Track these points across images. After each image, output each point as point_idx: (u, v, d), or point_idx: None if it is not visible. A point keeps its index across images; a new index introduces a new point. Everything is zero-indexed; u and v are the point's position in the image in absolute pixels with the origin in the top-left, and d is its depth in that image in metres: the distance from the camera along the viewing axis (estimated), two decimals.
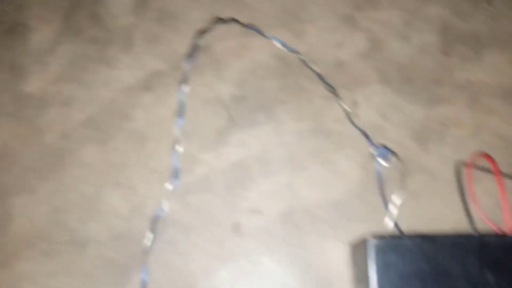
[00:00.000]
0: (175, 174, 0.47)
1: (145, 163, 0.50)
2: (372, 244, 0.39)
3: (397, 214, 0.46)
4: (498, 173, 0.44)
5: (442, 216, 0.48)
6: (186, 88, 0.51)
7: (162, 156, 0.50)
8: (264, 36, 0.54)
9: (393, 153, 0.47)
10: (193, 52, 0.52)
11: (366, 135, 0.48)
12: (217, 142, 0.51)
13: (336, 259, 0.47)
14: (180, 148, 0.49)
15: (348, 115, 0.51)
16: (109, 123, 0.52)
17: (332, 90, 0.52)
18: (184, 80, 0.51)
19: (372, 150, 0.48)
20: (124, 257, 0.47)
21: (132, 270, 0.46)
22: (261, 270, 0.47)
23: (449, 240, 0.40)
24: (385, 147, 0.47)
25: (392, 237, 0.40)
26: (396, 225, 0.44)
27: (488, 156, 0.45)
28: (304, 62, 0.53)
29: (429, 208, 0.49)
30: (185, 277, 0.46)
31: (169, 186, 0.47)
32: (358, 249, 0.42)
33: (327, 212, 0.49)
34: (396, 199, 0.45)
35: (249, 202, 0.49)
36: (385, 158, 0.46)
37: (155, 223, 0.47)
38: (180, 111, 0.49)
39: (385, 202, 0.46)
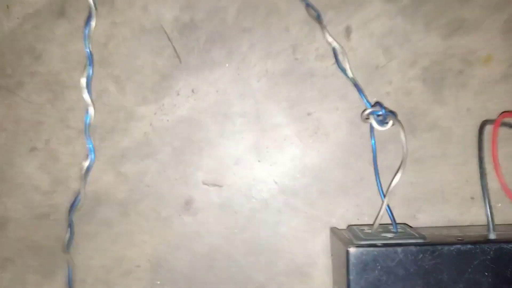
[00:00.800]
0: (89, 150, 0.35)
1: (65, 120, 0.38)
2: (353, 254, 0.29)
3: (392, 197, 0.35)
4: None
5: (451, 188, 0.37)
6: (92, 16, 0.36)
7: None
8: None
9: (392, 114, 0.34)
10: None
11: (358, 87, 0.35)
12: (159, 90, 0.38)
13: (312, 245, 0.38)
14: (91, 110, 0.36)
15: (336, 52, 0.36)
16: (14, 65, 0.39)
17: (316, 13, 0.37)
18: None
19: (365, 111, 0.35)
20: (51, 240, 0.38)
21: (61, 256, 0.38)
22: (219, 258, 0.38)
23: (453, 250, 0.29)
24: (382, 106, 0.34)
25: (379, 245, 0.30)
26: (389, 211, 0.33)
27: None
28: None
29: (435, 177, 0.38)
30: (125, 265, 0.38)
31: (84, 163, 0.36)
32: (338, 245, 0.33)
33: (303, 183, 0.38)
34: (394, 181, 0.33)
35: (203, 172, 0.38)
36: (381, 121, 0.34)
37: (79, 200, 0.37)
38: (88, 57, 0.35)
39: (377, 175, 0.35)
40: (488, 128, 0.37)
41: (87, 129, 0.35)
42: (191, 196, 0.38)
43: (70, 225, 0.35)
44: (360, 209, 0.38)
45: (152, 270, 0.38)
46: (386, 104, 0.37)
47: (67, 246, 0.36)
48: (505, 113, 0.35)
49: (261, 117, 0.38)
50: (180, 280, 0.38)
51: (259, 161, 0.38)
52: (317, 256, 0.38)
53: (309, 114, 0.38)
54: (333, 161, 0.38)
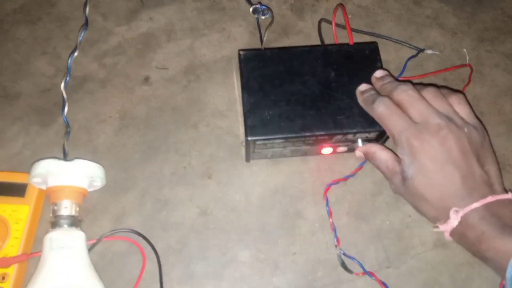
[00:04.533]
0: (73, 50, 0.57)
1: (67, 37, 0.60)
2: (241, 55, 0.50)
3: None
4: (346, 16, 0.56)
5: None
6: None
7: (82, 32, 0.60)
8: None
9: (267, 8, 0.58)
10: None
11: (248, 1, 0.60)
12: (129, 19, 0.62)
13: (228, 98, 0.57)
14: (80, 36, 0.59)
15: None
16: (37, 9, 0.62)
17: None
18: None
19: (251, 8, 0.59)
20: (50, 105, 0.56)
21: (57, 115, 0.55)
22: (167, 109, 0.56)
23: (301, 49, 0.51)
24: (261, 4, 0.58)
25: (257, 49, 0.51)
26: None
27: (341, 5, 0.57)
28: None
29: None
30: (101, 116, 0.56)
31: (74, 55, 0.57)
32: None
33: (221, 65, 0.59)
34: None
35: (156, 61, 0.59)
36: (262, 12, 0.58)
37: (69, 73, 0.56)
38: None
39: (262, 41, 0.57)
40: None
41: (78, 45, 0.57)
42: (148, 75, 0.59)
43: (68, 82, 0.54)
44: None
45: (120, 118, 0.56)
46: None
47: (63, 107, 0.54)
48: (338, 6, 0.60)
49: (194, 31, 0.61)
50: (140, 124, 0.56)
51: (193, 54, 0.60)
52: (233, 104, 0.57)
53: (224, 29, 0.62)
54: None
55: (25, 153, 0.53)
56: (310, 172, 0.53)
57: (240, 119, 0.54)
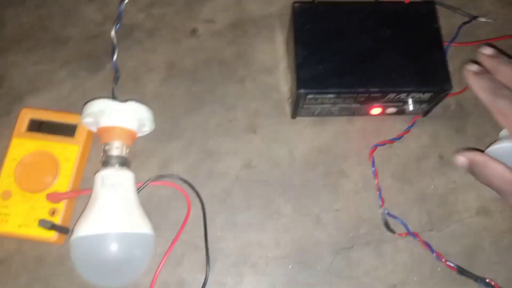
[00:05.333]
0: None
1: None
2: (296, 7, 0.50)
3: None
4: None
5: None
6: None
7: None
8: None
9: None
10: None
11: None
12: None
13: (274, 54, 0.57)
14: None
15: None
16: None
17: None
18: None
19: None
20: (98, 51, 0.56)
21: (104, 61, 0.56)
22: (214, 62, 0.56)
23: (355, 5, 0.50)
24: None
25: (311, 2, 0.50)
26: None
27: None
28: None
29: None
30: (149, 65, 0.56)
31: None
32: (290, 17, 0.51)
33: (269, 21, 0.59)
34: None
35: (204, 14, 0.59)
36: None
37: (119, 20, 0.56)
38: None
39: None
40: None
41: None
42: (196, 27, 0.58)
43: (117, 30, 0.54)
44: None
45: (167, 69, 0.56)
46: None
47: (112, 53, 0.54)
48: None
49: None
50: (187, 75, 0.56)
51: (241, 9, 0.59)
52: (279, 61, 0.56)
53: None
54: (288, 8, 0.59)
55: (73, 96, 0.54)
56: (356, 133, 0.53)
57: (286, 76, 0.54)
